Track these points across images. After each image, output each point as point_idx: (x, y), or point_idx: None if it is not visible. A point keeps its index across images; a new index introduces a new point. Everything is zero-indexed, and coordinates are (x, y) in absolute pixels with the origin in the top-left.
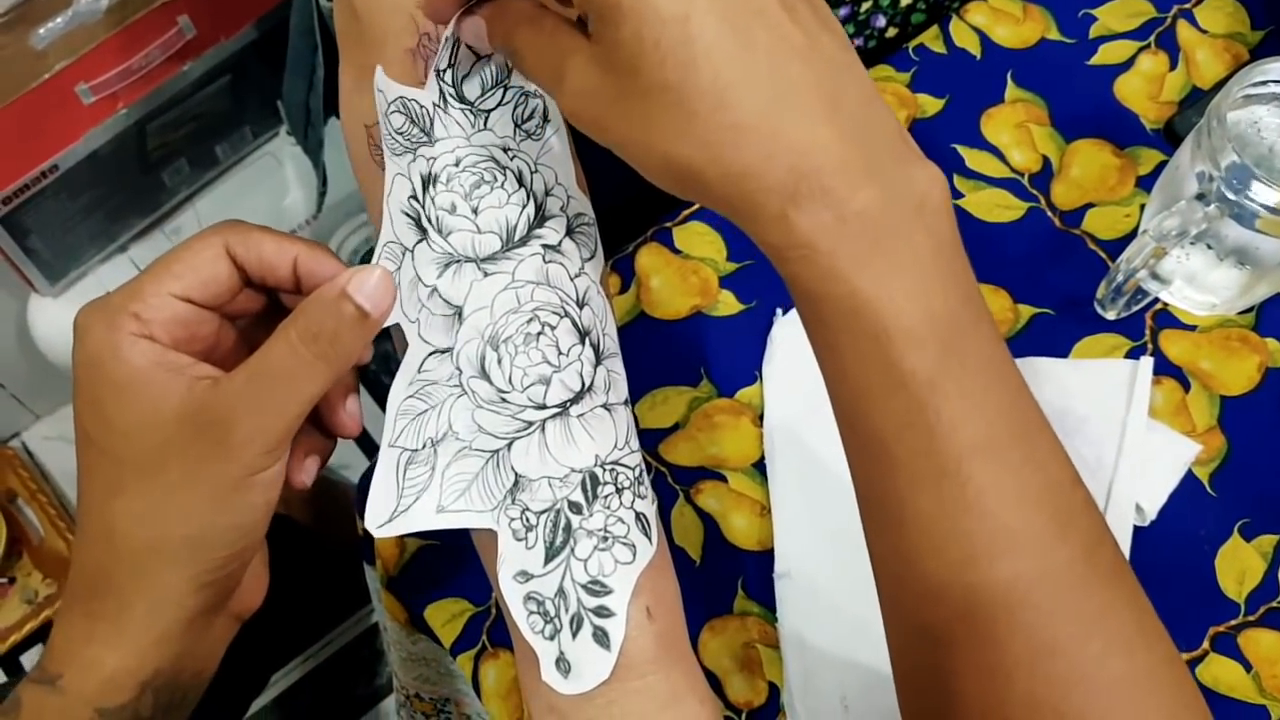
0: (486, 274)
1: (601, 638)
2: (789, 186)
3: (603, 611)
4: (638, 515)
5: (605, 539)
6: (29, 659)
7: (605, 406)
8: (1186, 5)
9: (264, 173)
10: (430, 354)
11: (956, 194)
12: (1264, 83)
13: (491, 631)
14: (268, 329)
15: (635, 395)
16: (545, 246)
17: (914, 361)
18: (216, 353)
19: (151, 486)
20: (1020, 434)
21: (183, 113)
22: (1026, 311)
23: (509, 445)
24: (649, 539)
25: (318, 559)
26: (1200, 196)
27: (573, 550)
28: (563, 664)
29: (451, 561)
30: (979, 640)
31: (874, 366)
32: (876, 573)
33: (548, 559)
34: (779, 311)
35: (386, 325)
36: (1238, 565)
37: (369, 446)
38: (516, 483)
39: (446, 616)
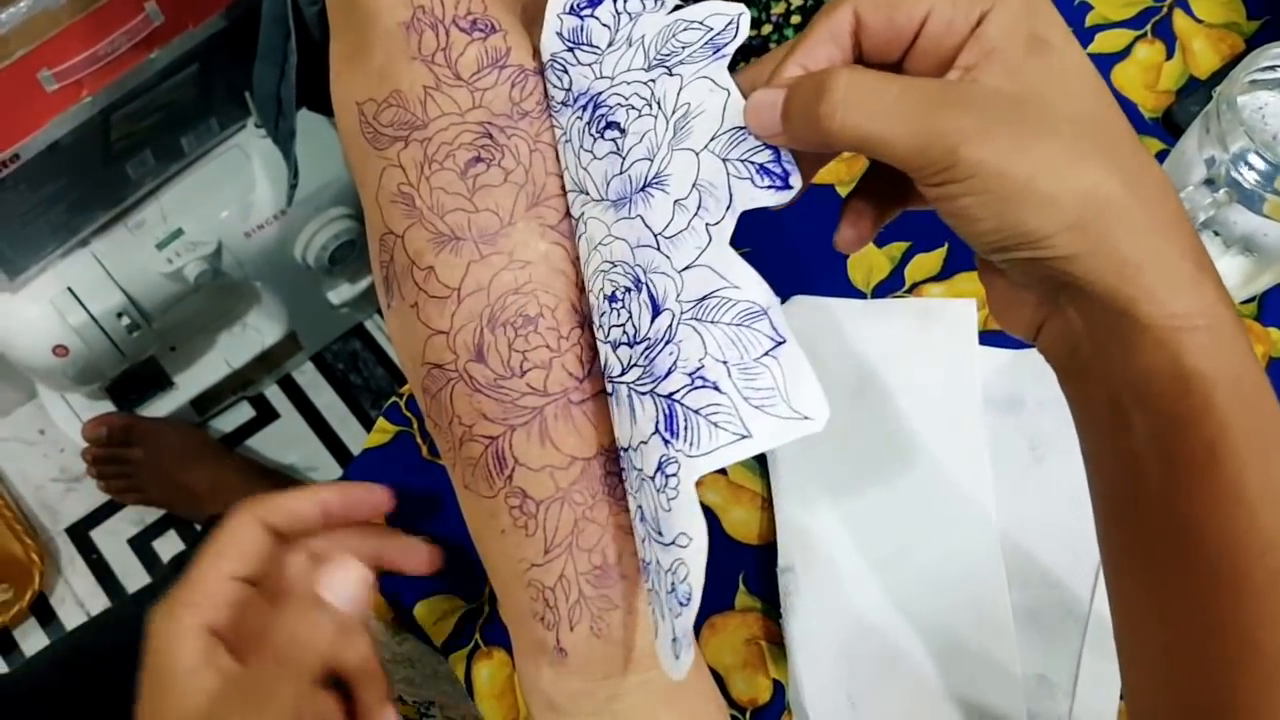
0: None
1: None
2: (1193, 251)
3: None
4: None
5: None
6: None
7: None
8: None
9: (231, 165)
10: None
11: None
12: (1270, 68)
13: (485, 630)
14: None
15: None
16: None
17: None
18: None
19: None
20: None
21: (148, 102)
22: None
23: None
24: None
25: None
26: (1209, 182)
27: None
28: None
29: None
30: None
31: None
32: None
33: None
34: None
35: None
36: None
37: (339, 449)
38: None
39: (437, 614)
